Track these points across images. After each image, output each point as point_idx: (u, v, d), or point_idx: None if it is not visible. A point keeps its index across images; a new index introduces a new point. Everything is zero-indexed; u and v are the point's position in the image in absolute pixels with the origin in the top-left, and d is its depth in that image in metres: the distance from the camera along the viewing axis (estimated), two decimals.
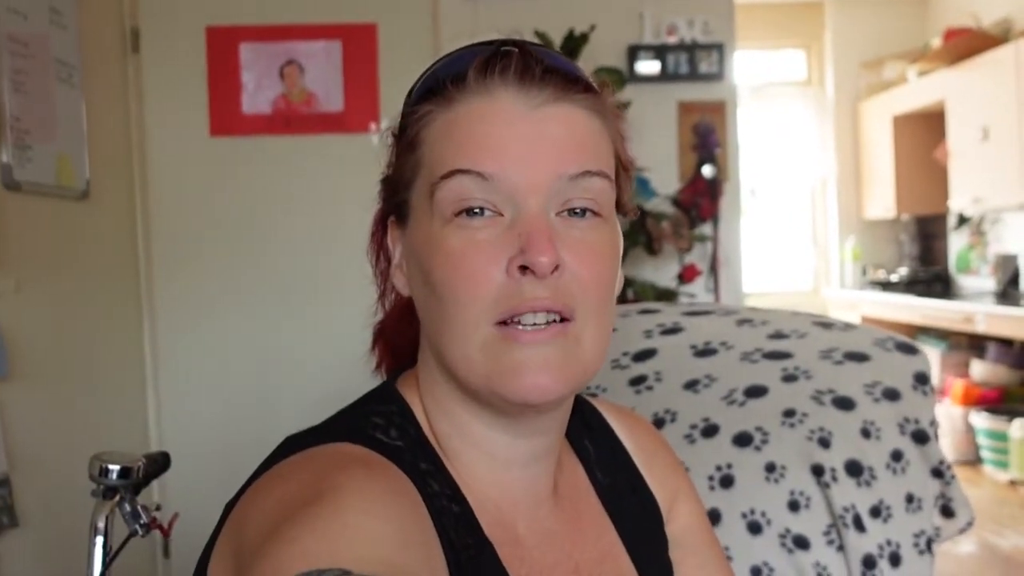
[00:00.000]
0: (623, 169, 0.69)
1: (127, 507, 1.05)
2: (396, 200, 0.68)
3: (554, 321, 0.61)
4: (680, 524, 0.82)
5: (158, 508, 1.15)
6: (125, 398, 2.44)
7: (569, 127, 0.62)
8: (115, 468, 1.03)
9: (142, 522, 1.05)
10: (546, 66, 0.63)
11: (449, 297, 0.61)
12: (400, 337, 0.76)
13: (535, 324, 0.60)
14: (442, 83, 0.64)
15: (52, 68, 1.99)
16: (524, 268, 0.59)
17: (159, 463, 1.11)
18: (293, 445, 0.63)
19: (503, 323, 0.60)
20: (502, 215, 0.61)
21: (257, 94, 2.61)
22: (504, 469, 0.68)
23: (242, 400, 2.61)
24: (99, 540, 1.04)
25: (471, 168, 0.60)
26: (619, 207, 0.68)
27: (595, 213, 0.63)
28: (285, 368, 2.62)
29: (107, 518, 1.03)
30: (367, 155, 2.61)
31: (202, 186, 2.61)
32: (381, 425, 0.65)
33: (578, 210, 0.62)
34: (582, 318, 0.62)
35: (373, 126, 2.61)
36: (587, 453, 0.79)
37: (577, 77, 0.64)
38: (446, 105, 0.63)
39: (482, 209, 0.61)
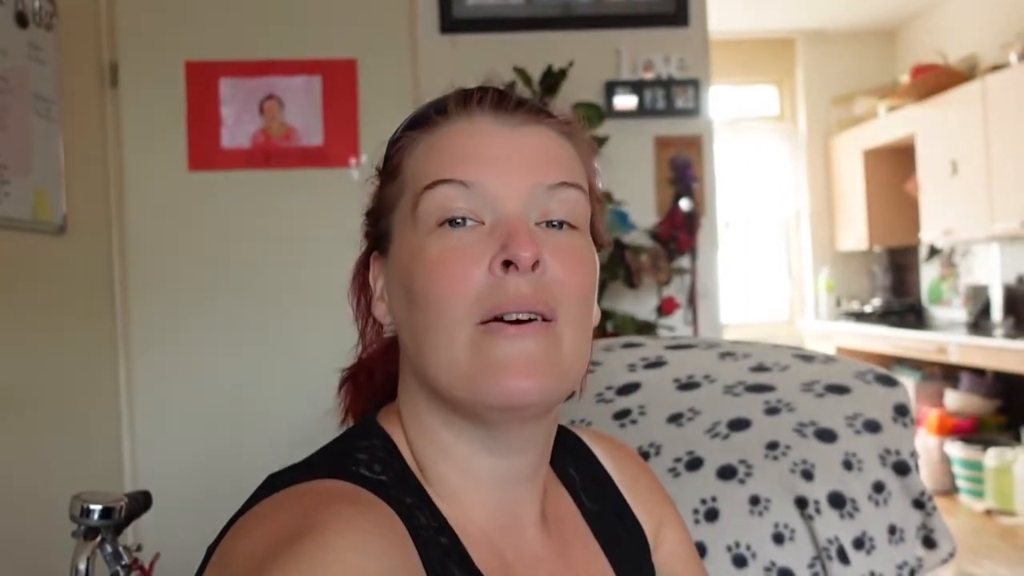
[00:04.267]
0: (596, 201, 0.71)
1: (108, 548, 1.03)
2: (378, 230, 0.70)
3: (536, 319, 0.62)
4: (666, 551, 0.82)
5: (139, 548, 1.13)
6: (100, 436, 2.40)
7: (543, 144, 0.67)
8: (97, 508, 1.02)
9: (123, 563, 1.04)
10: (519, 100, 0.68)
11: (432, 303, 0.62)
12: (379, 373, 0.76)
13: (518, 320, 0.61)
14: (425, 114, 0.69)
15: (30, 103, 1.98)
16: (506, 264, 0.61)
17: (140, 503, 1.10)
18: (276, 483, 0.62)
19: (486, 322, 0.61)
20: (483, 223, 0.64)
21: (236, 128, 2.61)
22: (489, 491, 0.68)
23: (219, 438, 2.57)
24: None
25: (452, 177, 0.64)
26: (594, 237, 0.71)
27: (572, 226, 0.66)
28: (263, 405, 2.59)
29: (88, 559, 1.01)
30: (347, 189, 2.62)
31: (180, 221, 2.59)
32: (364, 460, 0.65)
33: (555, 222, 0.65)
34: (563, 321, 0.63)
35: (353, 160, 2.62)
36: (572, 480, 0.79)
37: (547, 111, 0.69)
38: (428, 130, 0.68)
39: (464, 219, 0.63)
